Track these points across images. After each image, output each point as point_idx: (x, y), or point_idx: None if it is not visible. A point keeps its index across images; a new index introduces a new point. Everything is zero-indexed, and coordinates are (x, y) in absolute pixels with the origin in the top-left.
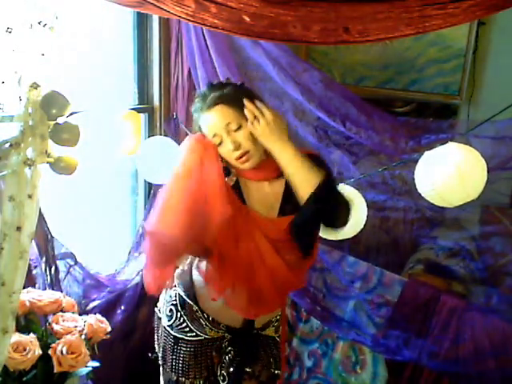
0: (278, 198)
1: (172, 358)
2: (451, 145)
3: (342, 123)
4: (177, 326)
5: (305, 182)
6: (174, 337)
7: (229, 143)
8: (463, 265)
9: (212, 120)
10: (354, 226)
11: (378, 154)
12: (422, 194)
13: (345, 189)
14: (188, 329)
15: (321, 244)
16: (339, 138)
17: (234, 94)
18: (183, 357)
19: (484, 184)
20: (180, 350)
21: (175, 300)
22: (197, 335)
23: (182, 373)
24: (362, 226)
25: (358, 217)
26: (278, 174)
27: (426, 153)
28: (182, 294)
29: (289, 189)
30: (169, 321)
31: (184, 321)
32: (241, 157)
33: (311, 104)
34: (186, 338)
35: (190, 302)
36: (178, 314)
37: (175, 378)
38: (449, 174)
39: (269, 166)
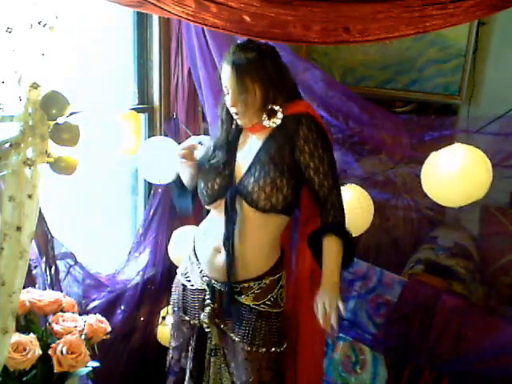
0: (255, 150)
1: (179, 299)
2: (456, 145)
3: (344, 122)
4: (185, 275)
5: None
6: (182, 284)
7: (229, 99)
8: (463, 265)
9: (223, 75)
10: (360, 227)
11: (379, 152)
12: (428, 194)
13: (354, 189)
14: (189, 278)
15: None
16: (341, 136)
17: (250, 65)
18: (188, 299)
19: (489, 184)
20: (186, 294)
21: (189, 256)
22: (192, 285)
23: (184, 312)
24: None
25: (366, 217)
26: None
27: (432, 153)
28: (192, 248)
29: (274, 133)
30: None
31: (188, 271)
32: (235, 113)
33: (313, 103)
34: (188, 286)
35: (192, 255)
36: (188, 265)
37: (178, 316)
38: (454, 174)
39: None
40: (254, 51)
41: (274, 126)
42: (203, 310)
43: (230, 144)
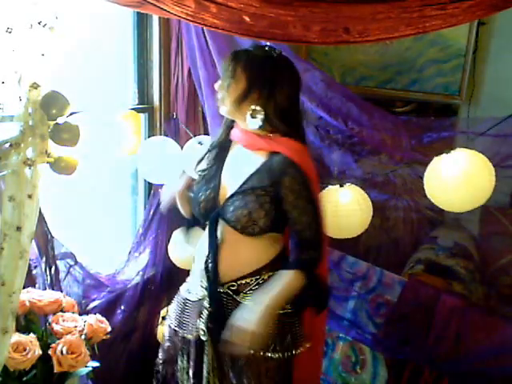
0: (247, 173)
1: (177, 312)
2: (459, 150)
3: (343, 122)
4: (187, 290)
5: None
6: (184, 297)
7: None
8: (463, 265)
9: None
10: (358, 228)
11: (379, 153)
12: (431, 200)
13: (354, 190)
14: (190, 290)
15: None
16: (341, 137)
17: (248, 58)
18: (186, 312)
19: (492, 189)
20: (186, 308)
21: (193, 271)
22: (193, 295)
23: (179, 326)
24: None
25: (364, 219)
26: (261, 148)
27: (435, 158)
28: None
29: (261, 169)
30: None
31: (190, 285)
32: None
33: (312, 103)
34: (189, 298)
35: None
36: (190, 280)
37: (172, 329)
38: (457, 180)
39: (257, 137)
40: (262, 50)
41: (250, 128)
42: (201, 318)
43: (220, 157)
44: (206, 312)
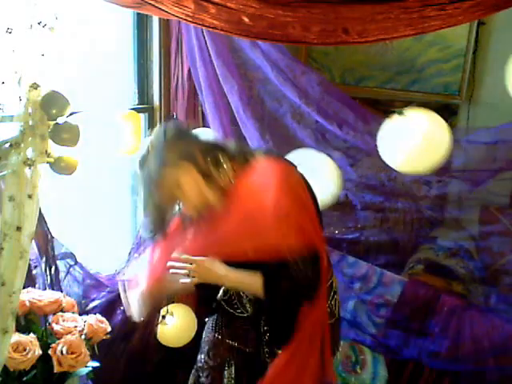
0: None
1: (223, 322)
2: (412, 113)
3: (338, 127)
4: (230, 302)
5: (251, 289)
6: (227, 311)
7: None
8: (463, 265)
9: None
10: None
11: (374, 156)
12: (390, 165)
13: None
14: (236, 306)
15: None
16: (337, 140)
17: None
18: (236, 325)
19: (449, 145)
20: (233, 320)
21: None
22: (241, 312)
23: (232, 337)
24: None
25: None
26: None
27: (388, 120)
28: None
29: None
30: (224, 296)
31: (234, 298)
32: None
33: (309, 107)
34: (236, 314)
35: None
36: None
37: (216, 337)
38: (414, 140)
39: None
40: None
41: None
42: (262, 338)
43: None
44: (267, 334)
